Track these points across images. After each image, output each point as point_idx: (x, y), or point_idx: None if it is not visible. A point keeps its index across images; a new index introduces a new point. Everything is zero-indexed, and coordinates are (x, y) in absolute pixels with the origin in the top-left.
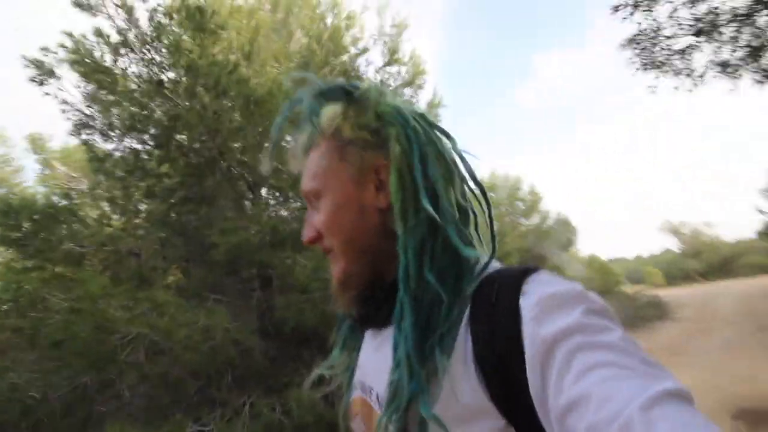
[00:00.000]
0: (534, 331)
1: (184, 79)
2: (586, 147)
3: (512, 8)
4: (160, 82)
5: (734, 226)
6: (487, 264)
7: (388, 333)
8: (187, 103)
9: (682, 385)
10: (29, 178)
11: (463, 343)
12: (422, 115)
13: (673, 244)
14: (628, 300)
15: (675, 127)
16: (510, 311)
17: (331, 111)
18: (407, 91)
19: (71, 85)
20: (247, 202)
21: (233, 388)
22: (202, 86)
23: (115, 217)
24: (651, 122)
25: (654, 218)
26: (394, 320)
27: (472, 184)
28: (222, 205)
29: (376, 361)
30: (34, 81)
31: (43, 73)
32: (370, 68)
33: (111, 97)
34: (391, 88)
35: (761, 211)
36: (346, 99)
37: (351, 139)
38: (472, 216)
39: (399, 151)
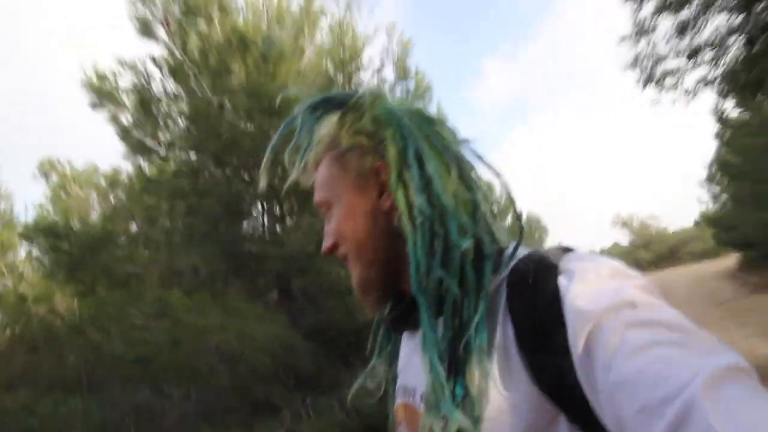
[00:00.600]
0: (578, 308)
1: (230, 103)
2: (538, 146)
3: (463, 11)
4: (221, 105)
5: (676, 217)
6: (516, 248)
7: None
8: (246, 125)
9: (742, 359)
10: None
11: (503, 332)
12: (418, 111)
13: (623, 237)
14: None
15: (621, 122)
16: (550, 290)
17: (326, 122)
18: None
19: (126, 109)
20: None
21: (293, 390)
22: (258, 109)
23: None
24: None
25: (603, 213)
26: (423, 321)
27: (480, 171)
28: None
29: (414, 361)
30: (94, 106)
31: (102, 96)
32: (385, 86)
33: (165, 121)
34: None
35: (700, 201)
36: (342, 108)
37: (349, 147)
38: (484, 204)
39: (395, 151)
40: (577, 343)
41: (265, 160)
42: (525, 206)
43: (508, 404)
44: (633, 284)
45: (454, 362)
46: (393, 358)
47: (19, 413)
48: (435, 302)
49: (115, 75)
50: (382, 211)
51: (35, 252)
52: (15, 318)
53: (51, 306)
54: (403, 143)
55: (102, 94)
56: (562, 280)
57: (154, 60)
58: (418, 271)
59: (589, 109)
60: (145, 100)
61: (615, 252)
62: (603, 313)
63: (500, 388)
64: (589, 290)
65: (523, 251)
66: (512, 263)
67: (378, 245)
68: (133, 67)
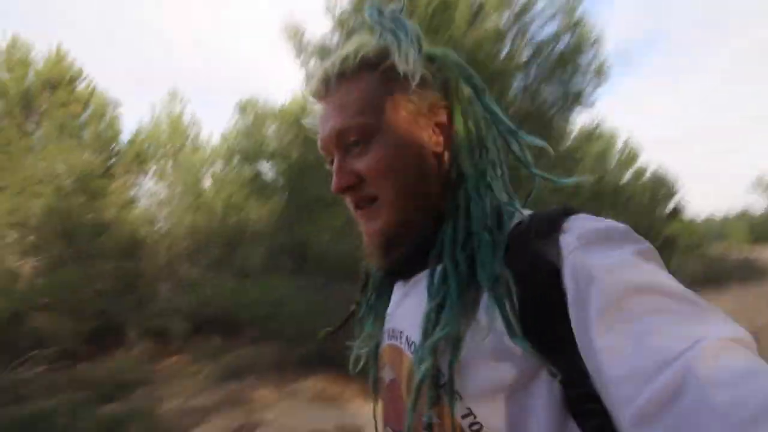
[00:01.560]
0: (576, 265)
1: None
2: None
3: None
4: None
5: None
6: (524, 204)
7: (416, 279)
8: None
9: (741, 329)
10: None
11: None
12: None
13: (759, 201)
14: (716, 261)
15: None
16: (549, 247)
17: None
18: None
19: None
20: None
21: None
22: None
23: None
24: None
25: (737, 174)
26: (448, 253)
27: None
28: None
29: (406, 305)
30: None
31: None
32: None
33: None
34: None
35: None
36: (397, 28)
37: (411, 74)
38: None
39: (467, 93)
40: (575, 300)
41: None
42: (651, 162)
43: (498, 347)
44: (637, 248)
45: (466, 298)
46: (385, 313)
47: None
48: (494, 242)
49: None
50: (433, 151)
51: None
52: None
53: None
54: (475, 87)
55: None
56: (564, 238)
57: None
58: (482, 210)
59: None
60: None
61: (746, 217)
62: (604, 273)
63: (494, 331)
64: (589, 249)
65: (528, 210)
66: (518, 220)
67: (424, 188)
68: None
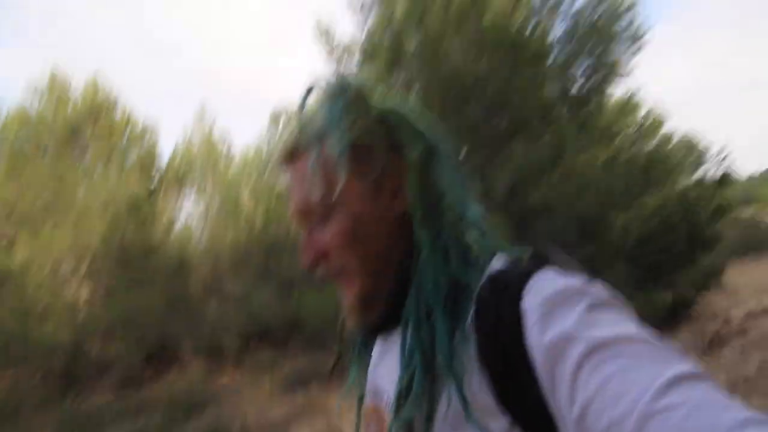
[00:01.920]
0: (538, 338)
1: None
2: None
3: None
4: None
5: None
6: (487, 261)
7: (395, 336)
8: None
9: (694, 365)
10: None
11: (468, 343)
12: (414, 110)
13: None
14: (746, 226)
15: None
16: (513, 314)
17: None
18: None
19: None
20: None
21: None
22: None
23: None
24: None
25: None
26: (414, 326)
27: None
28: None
29: (385, 364)
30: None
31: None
32: None
33: None
34: None
35: None
36: (346, 96)
37: (359, 146)
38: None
39: (416, 155)
40: (543, 373)
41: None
42: (681, 126)
43: (465, 426)
44: (593, 302)
45: (451, 364)
46: (367, 366)
47: None
48: (449, 312)
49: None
50: (394, 215)
51: None
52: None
53: None
54: (424, 146)
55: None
56: (523, 304)
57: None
58: (438, 280)
59: None
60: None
61: None
62: (560, 343)
63: (458, 395)
64: (548, 318)
65: (498, 263)
66: (482, 281)
67: (388, 254)
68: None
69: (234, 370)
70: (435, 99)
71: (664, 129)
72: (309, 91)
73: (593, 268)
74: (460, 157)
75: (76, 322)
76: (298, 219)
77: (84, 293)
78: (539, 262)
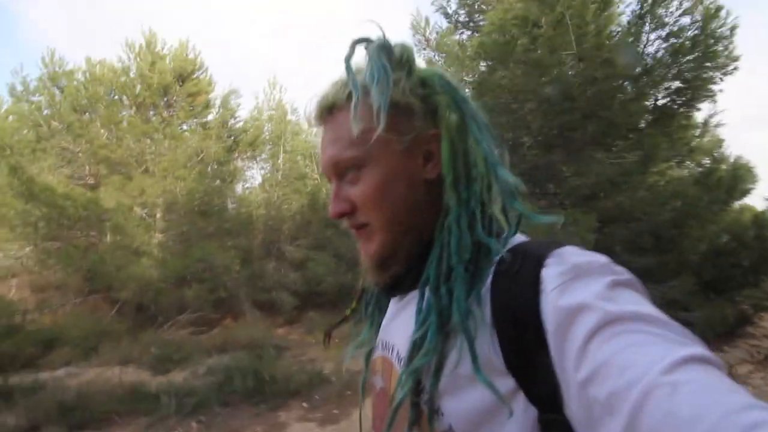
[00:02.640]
0: (555, 302)
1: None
2: None
3: None
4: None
5: None
6: (513, 234)
7: (410, 297)
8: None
9: (709, 351)
10: None
11: (483, 306)
12: (455, 80)
13: None
14: None
15: None
16: (531, 281)
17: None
18: None
19: None
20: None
21: None
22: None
23: None
24: None
25: None
26: (432, 285)
27: None
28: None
29: (398, 321)
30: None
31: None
32: None
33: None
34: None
35: None
36: (391, 58)
37: (402, 106)
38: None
39: (454, 120)
40: (554, 337)
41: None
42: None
43: (472, 377)
44: (614, 279)
45: (464, 321)
46: (380, 324)
47: None
48: (468, 276)
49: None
50: (424, 179)
51: None
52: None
53: None
54: (462, 114)
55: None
56: (545, 272)
57: None
58: (460, 243)
59: None
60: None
61: None
62: (578, 309)
63: (469, 351)
64: (568, 286)
65: (518, 238)
66: (504, 250)
67: (413, 216)
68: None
69: (288, 325)
70: (534, 102)
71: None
72: (354, 45)
73: (660, 276)
74: (553, 158)
75: (159, 264)
76: (331, 171)
77: (166, 239)
78: (560, 241)
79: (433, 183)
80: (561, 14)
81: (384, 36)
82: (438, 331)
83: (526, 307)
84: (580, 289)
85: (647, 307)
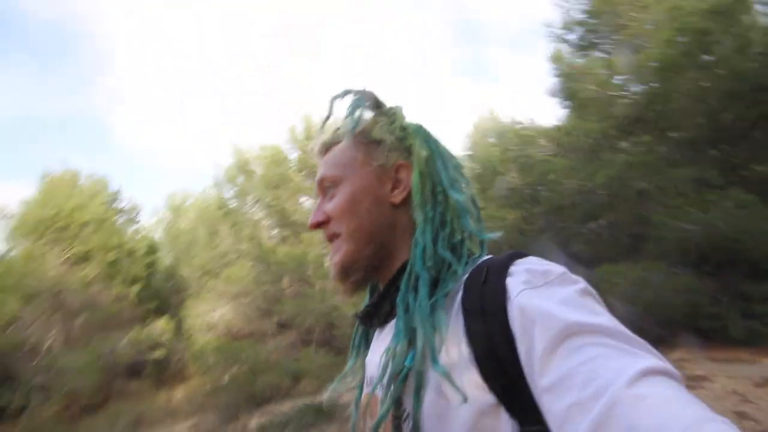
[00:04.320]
0: (520, 308)
1: None
2: None
3: None
4: None
5: None
6: (481, 253)
7: (389, 327)
8: None
9: (668, 363)
10: None
11: (455, 322)
12: (431, 133)
13: None
14: None
15: None
16: (497, 290)
17: (365, 113)
18: None
19: None
20: None
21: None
22: None
23: None
24: None
25: None
26: (401, 297)
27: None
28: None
29: (379, 353)
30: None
31: None
32: None
33: None
34: None
35: None
36: (377, 109)
37: (378, 140)
38: (474, 212)
39: (424, 154)
40: (521, 342)
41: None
42: None
43: (453, 393)
44: (575, 289)
45: (431, 328)
46: (365, 354)
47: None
48: (431, 281)
49: None
50: (390, 202)
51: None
52: None
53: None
54: (431, 152)
55: None
56: (509, 280)
57: None
58: (424, 252)
59: None
60: None
61: None
62: (544, 317)
63: (441, 372)
64: (532, 293)
65: (486, 257)
66: (472, 267)
67: (376, 230)
68: None
69: None
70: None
71: None
72: (340, 96)
73: None
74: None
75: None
76: (318, 189)
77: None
78: (521, 252)
79: (398, 207)
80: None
81: (369, 91)
82: (406, 336)
83: (495, 316)
84: (544, 296)
85: (606, 318)
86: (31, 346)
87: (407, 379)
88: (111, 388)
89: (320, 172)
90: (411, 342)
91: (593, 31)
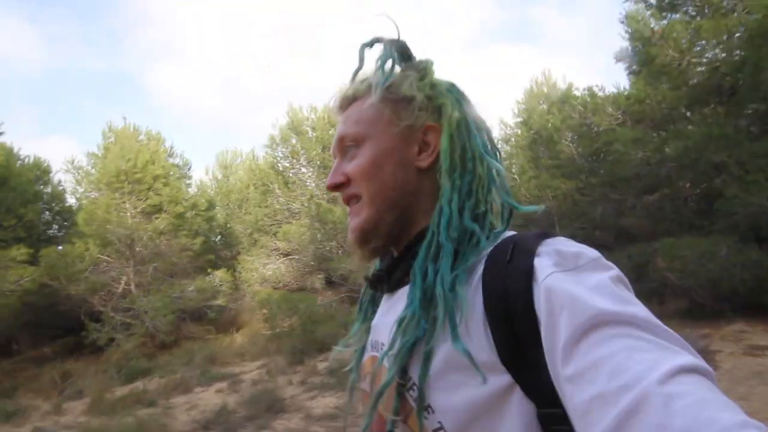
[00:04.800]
0: (547, 292)
1: None
2: None
3: None
4: None
5: None
6: (506, 227)
7: (400, 293)
8: None
9: (701, 360)
10: None
11: (474, 297)
12: (465, 95)
13: None
14: None
15: None
16: (524, 270)
17: (395, 65)
18: None
19: None
20: None
21: None
22: None
23: None
24: None
25: None
26: (419, 264)
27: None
28: None
29: (389, 318)
30: None
31: None
32: None
33: None
34: None
35: None
36: (408, 61)
37: (408, 97)
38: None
39: (456, 117)
40: (546, 327)
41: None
42: None
43: (465, 368)
44: (608, 275)
45: (451, 299)
46: (372, 319)
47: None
48: (453, 252)
49: None
50: (416, 166)
51: None
52: None
53: None
54: (461, 114)
55: None
56: (537, 261)
57: None
58: (450, 221)
59: None
60: None
61: None
62: (573, 302)
63: (462, 350)
64: (563, 277)
65: (509, 233)
66: (497, 241)
67: (399, 195)
68: None
69: None
70: None
71: None
72: (369, 45)
73: None
74: None
75: None
76: (336, 148)
77: None
78: (551, 232)
79: (423, 172)
80: None
81: (401, 40)
82: (421, 306)
83: (519, 297)
84: (574, 280)
85: (639, 309)
86: (110, 288)
87: (415, 347)
88: (180, 331)
89: (340, 129)
90: (425, 312)
91: None
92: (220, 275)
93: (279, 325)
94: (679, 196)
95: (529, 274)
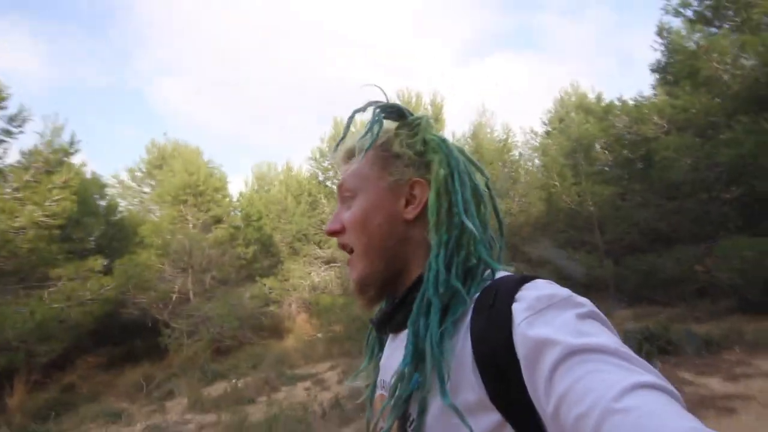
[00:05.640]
0: (523, 336)
1: None
2: None
3: None
4: None
5: None
6: (490, 274)
7: (403, 335)
8: None
9: (664, 381)
10: None
11: (463, 342)
12: (462, 150)
13: None
14: None
15: None
16: (504, 315)
17: (386, 125)
18: None
19: None
20: None
21: None
22: None
23: None
24: None
25: None
26: (412, 319)
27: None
28: None
29: (393, 359)
30: None
31: None
32: None
33: None
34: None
35: None
36: (401, 120)
37: (397, 154)
38: (487, 235)
39: (442, 174)
40: (526, 368)
41: (337, 142)
42: None
43: (460, 404)
44: (577, 313)
45: (439, 354)
46: (380, 358)
47: None
48: (442, 307)
49: None
50: (403, 219)
51: None
52: None
53: None
54: (450, 170)
55: None
56: (515, 306)
57: None
58: (437, 278)
59: None
60: None
61: None
62: (545, 342)
63: (457, 388)
64: (535, 319)
65: (501, 274)
66: (486, 284)
67: (387, 246)
68: None
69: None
70: None
71: None
72: (361, 110)
73: None
74: None
75: None
76: (338, 194)
77: None
78: (531, 276)
79: (411, 223)
80: None
81: (393, 103)
82: (413, 361)
83: (501, 341)
84: (546, 322)
85: (607, 339)
86: (173, 296)
87: (411, 398)
88: (239, 335)
89: (341, 177)
90: (417, 367)
91: (713, 7)
92: (269, 283)
93: (331, 330)
94: (723, 199)
95: (508, 319)
